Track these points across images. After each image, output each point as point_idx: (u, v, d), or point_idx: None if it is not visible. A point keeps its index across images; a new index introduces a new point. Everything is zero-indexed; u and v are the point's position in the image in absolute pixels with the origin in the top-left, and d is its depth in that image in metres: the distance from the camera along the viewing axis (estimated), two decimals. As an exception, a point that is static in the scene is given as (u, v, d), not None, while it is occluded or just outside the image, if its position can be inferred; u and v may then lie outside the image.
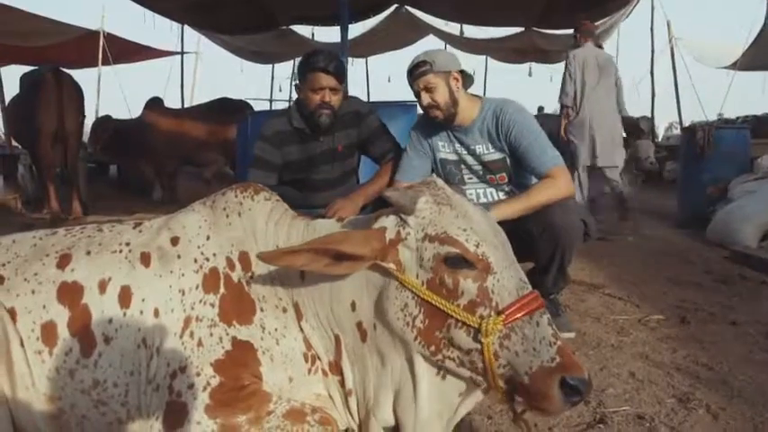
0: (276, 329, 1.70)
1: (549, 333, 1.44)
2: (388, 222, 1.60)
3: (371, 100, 10.86)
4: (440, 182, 1.65)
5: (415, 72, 2.62)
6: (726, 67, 11.87)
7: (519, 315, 1.43)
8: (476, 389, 1.60)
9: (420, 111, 2.80)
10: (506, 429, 1.93)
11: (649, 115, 12.42)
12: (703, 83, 13.31)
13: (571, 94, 5.88)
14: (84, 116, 7.67)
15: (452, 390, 1.60)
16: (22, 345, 1.64)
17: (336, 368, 1.72)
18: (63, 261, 1.74)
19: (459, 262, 1.49)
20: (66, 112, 6.92)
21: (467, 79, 2.70)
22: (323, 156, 2.95)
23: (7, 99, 7.94)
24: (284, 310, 1.73)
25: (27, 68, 8.02)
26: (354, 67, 15.40)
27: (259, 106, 13.68)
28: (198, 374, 1.59)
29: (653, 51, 12.76)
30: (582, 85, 5.83)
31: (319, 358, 1.73)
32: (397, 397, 1.61)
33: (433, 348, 1.52)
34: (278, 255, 1.58)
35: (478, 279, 1.48)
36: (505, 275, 1.49)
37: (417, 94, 2.67)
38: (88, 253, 1.76)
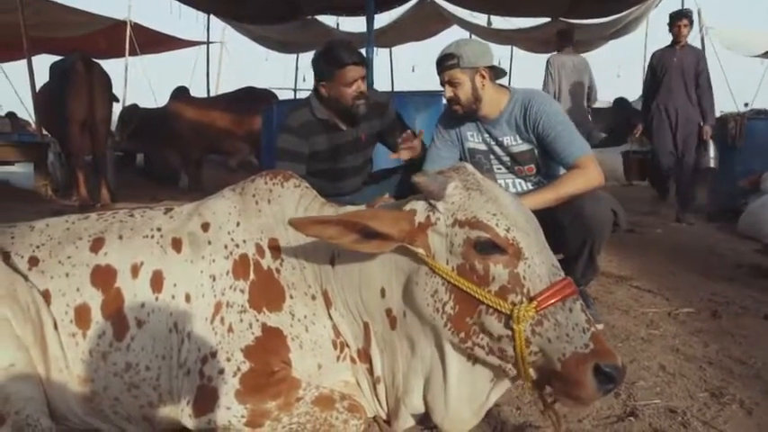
0: (305, 316, 1.71)
1: (583, 319, 1.42)
2: (419, 206, 1.59)
3: (395, 90, 10.84)
4: (470, 167, 1.64)
5: (443, 64, 2.62)
6: (759, 56, 11.58)
7: (551, 302, 1.42)
8: (505, 377, 1.58)
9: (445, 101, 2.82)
10: (535, 420, 1.91)
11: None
12: (734, 72, 12.99)
13: (551, 92, 6.71)
14: (117, 100, 7.81)
15: (483, 376, 1.58)
16: (55, 327, 1.66)
17: (365, 356, 1.72)
18: (96, 245, 1.76)
19: (489, 247, 1.47)
20: (96, 101, 7.03)
21: (498, 72, 2.68)
22: (347, 145, 3.03)
23: (37, 88, 8.03)
24: (313, 298, 1.73)
25: (56, 58, 8.12)
26: (379, 57, 15.33)
27: (284, 95, 13.72)
28: (228, 360, 1.60)
29: (683, 41, 12.49)
30: (558, 83, 6.78)
31: (348, 345, 1.73)
32: (428, 384, 1.61)
33: (462, 335, 1.51)
34: (308, 222, 1.59)
35: (509, 265, 1.46)
36: (537, 261, 1.47)
37: (442, 85, 2.68)
38: (120, 237, 1.78)
